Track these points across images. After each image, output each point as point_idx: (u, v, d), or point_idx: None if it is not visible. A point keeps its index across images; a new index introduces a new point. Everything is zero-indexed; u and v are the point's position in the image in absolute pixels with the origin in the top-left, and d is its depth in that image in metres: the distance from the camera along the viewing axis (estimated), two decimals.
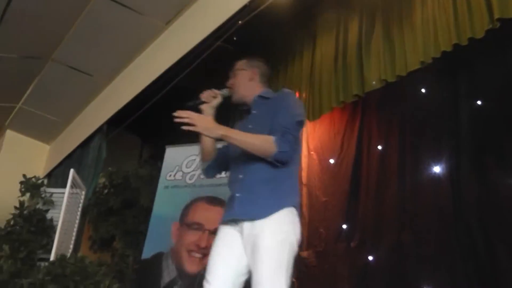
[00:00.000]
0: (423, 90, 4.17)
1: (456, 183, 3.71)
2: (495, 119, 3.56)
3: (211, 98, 2.30)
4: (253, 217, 2.00)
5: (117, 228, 5.11)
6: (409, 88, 4.18)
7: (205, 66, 4.29)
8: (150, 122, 5.47)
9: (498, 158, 3.53)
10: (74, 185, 5.10)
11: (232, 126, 2.27)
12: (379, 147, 4.21)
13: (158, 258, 4.22)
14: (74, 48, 5.20)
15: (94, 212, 5.40)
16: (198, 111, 2.25)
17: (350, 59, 4.05)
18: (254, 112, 2.31)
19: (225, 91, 2.35)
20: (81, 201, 5.39)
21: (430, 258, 3.61)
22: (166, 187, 4.46)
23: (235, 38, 4.17)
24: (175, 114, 2.05)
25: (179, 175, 4.44)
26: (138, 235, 4.88)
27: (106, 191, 5.44)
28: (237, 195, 2.10)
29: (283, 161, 2.04)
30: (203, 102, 2.29)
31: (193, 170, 4.39)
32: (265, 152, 2.03)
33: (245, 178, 2.12)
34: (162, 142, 4.97)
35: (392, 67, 3.77)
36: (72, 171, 5.04)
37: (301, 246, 4.30)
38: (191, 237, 4.11)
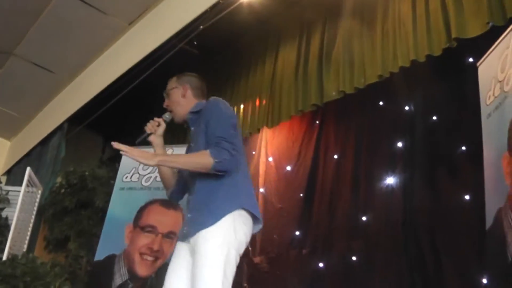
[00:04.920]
0: (380, 103, 4.25)
1: (408, 195, 3.78)
2: (448, 134, 3.66)
3: (156, 128, 2.28)
4: (198, 231, 1.97)
5: (71, 228, 4.99)
6: (367, 100, 4.25)
7: (168, 67, 4.28)
8: (112, 121, 5.40)
9: (450, 172, 3.63)
10: (30, 183, 4.97)
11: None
12: (335, 157, 4.27)
13: (110, 260, 4.15)
14: (37, 44, 5.14)
15: (50, 212, 5.27)
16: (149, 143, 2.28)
17: (311, 69, 4.10)
18: (192, 129, 2.27)
19: (166, 116, 2.30)
20: (37, 200, 5.28)
21: (379, 266, 3.67)
22: (122, 188, 4.40)
23: (195, 43, 4.18)
24: (114, 145, 2.10)
25: (135, 177, 4.39)
26: (92, 237, 4.80)
27: (62, 190, 5.33)
28: (188, 215, 2.11)
29: (225, 169, 2.01)
30: (150, 134, 2.26)
31: (149, 173, 4.34)
32: (204, 166, 1.99)
33: (193, 198, 2.12)
34: (124, 142, 4.89)
35: (351, 79, 3.81)
36: (28, 169, 4.92)
37: (254, 252, 4.35)
38: (144, 240, 4.05)
